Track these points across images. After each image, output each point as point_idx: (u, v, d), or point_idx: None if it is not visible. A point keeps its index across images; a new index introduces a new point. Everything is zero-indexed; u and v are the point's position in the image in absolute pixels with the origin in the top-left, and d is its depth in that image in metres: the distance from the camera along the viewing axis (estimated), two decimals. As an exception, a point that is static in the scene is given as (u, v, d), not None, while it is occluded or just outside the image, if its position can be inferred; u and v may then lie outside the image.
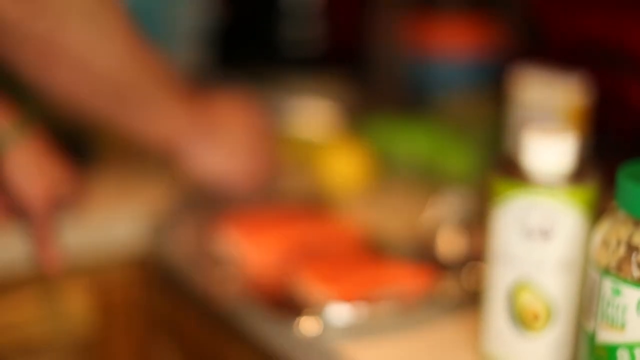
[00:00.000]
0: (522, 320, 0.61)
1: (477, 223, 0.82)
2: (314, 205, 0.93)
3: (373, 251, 0.82)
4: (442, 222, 0.86)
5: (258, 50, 1.52)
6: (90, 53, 0.74)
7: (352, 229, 0.86)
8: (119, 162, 1.03)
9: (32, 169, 0.77)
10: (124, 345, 0.99)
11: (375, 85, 1.51)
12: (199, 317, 0.89)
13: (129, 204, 0.96)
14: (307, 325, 0.68)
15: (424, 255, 0.81)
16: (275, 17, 1.50)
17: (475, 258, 0.79)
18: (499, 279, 0.61)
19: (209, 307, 0.88)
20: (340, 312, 0.69)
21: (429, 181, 0.99)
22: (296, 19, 1.49)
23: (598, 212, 0.59)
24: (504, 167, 0.60)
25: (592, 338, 0.54)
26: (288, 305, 0.72)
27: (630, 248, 0.51)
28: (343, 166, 0.99)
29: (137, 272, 0.99)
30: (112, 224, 0.94)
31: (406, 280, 0.75)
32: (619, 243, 0.51)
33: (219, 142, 0.89)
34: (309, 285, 0.74)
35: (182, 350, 0.94)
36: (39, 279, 0.86)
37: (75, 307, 0.94)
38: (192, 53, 1.45)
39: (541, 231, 0.58)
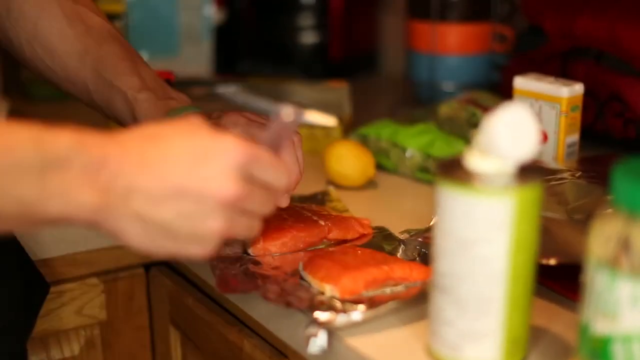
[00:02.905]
0: None
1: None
2: (319, 202, 0.94)
3: (377, 248, 0.82)
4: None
5: (269, 56, 1.52)
6: None
7: (356, 225, 0.86)
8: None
9: None
10: (131, 338, 1.00)
11: (381, 86, 1.52)
12: (208, 311, 0.89)
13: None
14: (314, 320, 0.68)
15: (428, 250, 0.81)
16: (286, 23, 1.50)
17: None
18: None
19: (218, 301, 0.88)
20: (345, 308, 0.70)
21: (431, 180, 1.00)
22: (307, 24, 1.50)
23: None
24: None
25: (586, 329, 0.55)
26: (294, 300, 0.72)
27: (624, 241, 0.52)
28: (347, 165, 0.99)
29: (145, 267, 1.00)
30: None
31: (410, 277, 0.75)
32: (613, 236, 0.53)
33: None
34: (315, 281, 0.74)
35: (195, 346, 0.95)
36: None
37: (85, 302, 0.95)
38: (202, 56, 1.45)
39: None
